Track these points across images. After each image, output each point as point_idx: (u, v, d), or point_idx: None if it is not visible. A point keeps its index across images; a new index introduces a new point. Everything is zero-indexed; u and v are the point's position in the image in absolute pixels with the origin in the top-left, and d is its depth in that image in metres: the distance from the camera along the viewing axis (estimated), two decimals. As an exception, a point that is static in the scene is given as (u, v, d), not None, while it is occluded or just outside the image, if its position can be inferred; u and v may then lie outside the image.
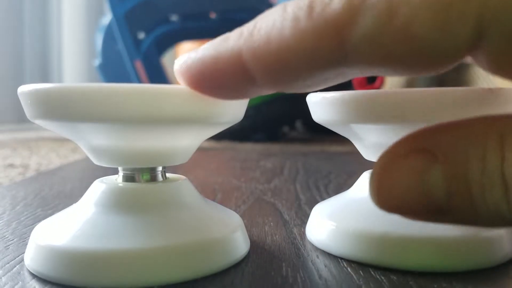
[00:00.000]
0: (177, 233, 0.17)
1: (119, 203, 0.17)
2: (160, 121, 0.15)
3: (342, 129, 0.20)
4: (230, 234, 0.18)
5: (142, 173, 0.18)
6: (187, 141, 0.18)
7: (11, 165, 0.58)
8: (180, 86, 0.16)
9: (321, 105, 0.20)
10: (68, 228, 0.17)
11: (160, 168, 0.19)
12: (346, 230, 0.19)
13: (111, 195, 0.18)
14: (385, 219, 0.18)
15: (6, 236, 0.22)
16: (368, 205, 0.20)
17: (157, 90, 0.15)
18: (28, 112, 0.17)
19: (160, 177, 0.19)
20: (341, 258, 0.19)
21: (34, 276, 0.16)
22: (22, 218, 0.25)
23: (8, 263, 0.18)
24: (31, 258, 0.17)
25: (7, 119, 1.50)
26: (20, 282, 0.16)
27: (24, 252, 0.19)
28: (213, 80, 0.14)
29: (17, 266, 0.17)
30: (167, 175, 0.20)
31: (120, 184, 0.18)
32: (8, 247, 0.20)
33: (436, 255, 0.17)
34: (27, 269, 0.17)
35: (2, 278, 0.16)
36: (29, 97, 0.16)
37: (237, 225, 0.19)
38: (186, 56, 0.15)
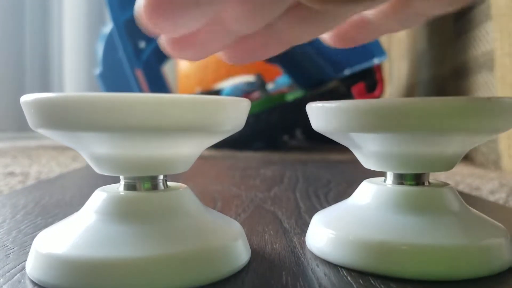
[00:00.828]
0: (178, 241, 0.17)
1: (120, 212, 0.18)
2: (162, 130, 0.16)
3: (341, 137, 0.20)
4: (231, 243, 0.18)
5: (143, 181, 0.19)
6: (188, 150, 0.18)
7: (12, 174, 0.58)
8: (181, 95, 0.16)
9: (321, 114, 0.20)
10: (69, 236, 0.17)
11: (161, 177, 0.19)
12: (346, 238, 0.19)
13: (112, 204, 0.18)
14: (385, 228, 0.19)
15: (7, 245, 0.22)
16: (368, 214, 0.20)
17: (158, 99, 0.15)
18: (30, 121, 0.17)
19: (161, 186, 0.19)
20: (341, 267, 0.19)
21: (34, 284, 0.16)
22: (22, 227, 0.25)
23: (9, 271, 0.18)
24: (32, 266, 0.17)
25: (8, 128, 1.50)
26: (20, 291, 0.16)
27: (25, 261, 0.19)
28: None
29: (17, 275, 0.17)
30: (168, 183, 0.20)
31: (122, 193, 0.18)
32: (8, 255, 0.20)
33: (435, 264, 0.17)
34: (27, 277, 0.17)
35: (3, 286, 0.16)
36: (32, 106, 0.16)
37: (238, 233, 0.19)
38: None
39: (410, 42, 1.13)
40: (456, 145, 0.19)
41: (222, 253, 0.18)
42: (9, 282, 0.17)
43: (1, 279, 0.17)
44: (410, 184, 0.20)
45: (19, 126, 1.52)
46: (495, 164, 0.72)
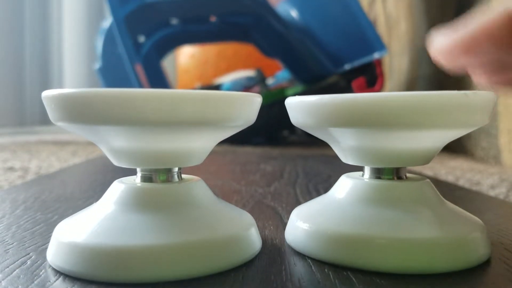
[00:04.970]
0: (193, 230, 0.18)
1: (137, 202, 0.18)
2: (177, 124, 0.16)
3: (319, 132, 0.20)
4: (244, 232, 0.19)
5: (159, 173, 0.19)
6: (202, 143, 0.19)
7: (11, 168, 0.58)
8: (196, 91, 0.16)
9: (299, 109, 0.20)
10: (89, 225, 0.18)
11: (176, 169, 0.20)
12: (324, 233, 0.19)
13: (130, 195, 0.19)
14: (363, 222, 0.19)
15: (6, 240, 0.21)
16: (346, 208, 0.20)
17: (174, 95, 0.16)
18: (51, 115, 0.18)
19: (176, 178, 0.20)
20: (335, 265, 0.19)
21: (33, 280, 0.16)
22: (22, 222, 0.25)
23: (8, 267, 0.18)
24: (54, 254, 0.18)
25: (8, 122, 1.50)
26: (19, 286, 0.16)
27: (23, 256, 0.19)
28: (483, 41, 0.17)
29: (16, 270, 0.17)
30: (183, 176, 0.21)
31: (139, 184, 0.19)
32: (7, 251, 0.20)
33: (412, 257, 0.17)
34: (26, 273, 0.17)
35: (2, 282, 0.16)
36: (53, 101, 0.17)
37: (250, 223, 0.20)
38: (444, 33, 0.18)
39: (411, 37, 1.12)
40: (433, 140, 0.19)
41: (235, 241, 0.18)
42: (8, 277, 0.17)
43: (0, 275, 0.17)
44: (387, 179, 0.20)
45: (19, 121, 1.52)
46: (495, 159, 0.72)
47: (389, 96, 0.17)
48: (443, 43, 0.18)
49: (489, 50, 0.17)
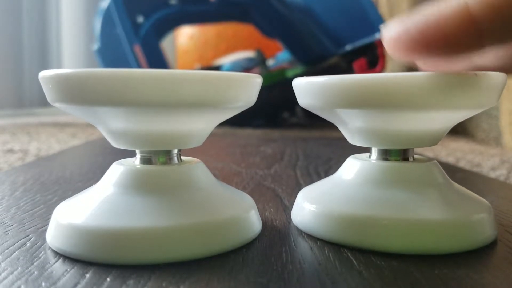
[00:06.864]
0: (192, 212, 0.18)
1: (136, 184, 0.18)
2: (176, 105, 0.16)
3: (327, 114, 0.20)
4: (244, 214, 0.19)
5: (158, 155, 0.19)
6: (202, 125, 0.19)
7: (11, 150, 0.58)
8: (195, 71, 0.16)
9: (307, 90, 0.19)
10: (88, 207, 0.18)
11: (175, 151, 0.20)
12: (330, 213, 0.19)
13: (129, 177, 0.18)
14: (370, 203, 0.18)
15: (5, 222, 0.21)
16: (353, 189, 0.20)
17: (173, 75, 0.16)
18: (48, 96, 0.17)
19: (175, 160, 0.20)
20: (342, 246, 0.19)
21: (33, 262, 0.16)
22: (21, 204, 0.25)
23: (8, 248, 0.18)
24: (53, 235, 0.18)
25: (7, 104, 1.50)
26: (19, 268, 0.16)
27: (23, 238, 0.19)
28: (436, 39, 0.15)
29: (16, 252, 0.17)
30: (182, 158, 0.21)
31: (138, 166, 0.19)
32: (7, 232, 0.20)
33: (418, 238, 0.17)
34: (26, 254, 0.17)
35: (2, 263, 0.16)
36: (50, 81, 0.17)
37: (250, 205, 0.20)
38: (397, 23, 0.15)
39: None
40: (442, 121, 0.18)
41: (235, 223, 0.18)
42: (8, 259, 0.17)
43: (0, 256, 0.17)
44: (394, 160, 0.20)
45: (18, 102, 1.51)
46: (496, 140, 0.71)
47: (398, 76, 0.17)
48: (394, 32, 0.16)
49: (440, 48, 0.15)
